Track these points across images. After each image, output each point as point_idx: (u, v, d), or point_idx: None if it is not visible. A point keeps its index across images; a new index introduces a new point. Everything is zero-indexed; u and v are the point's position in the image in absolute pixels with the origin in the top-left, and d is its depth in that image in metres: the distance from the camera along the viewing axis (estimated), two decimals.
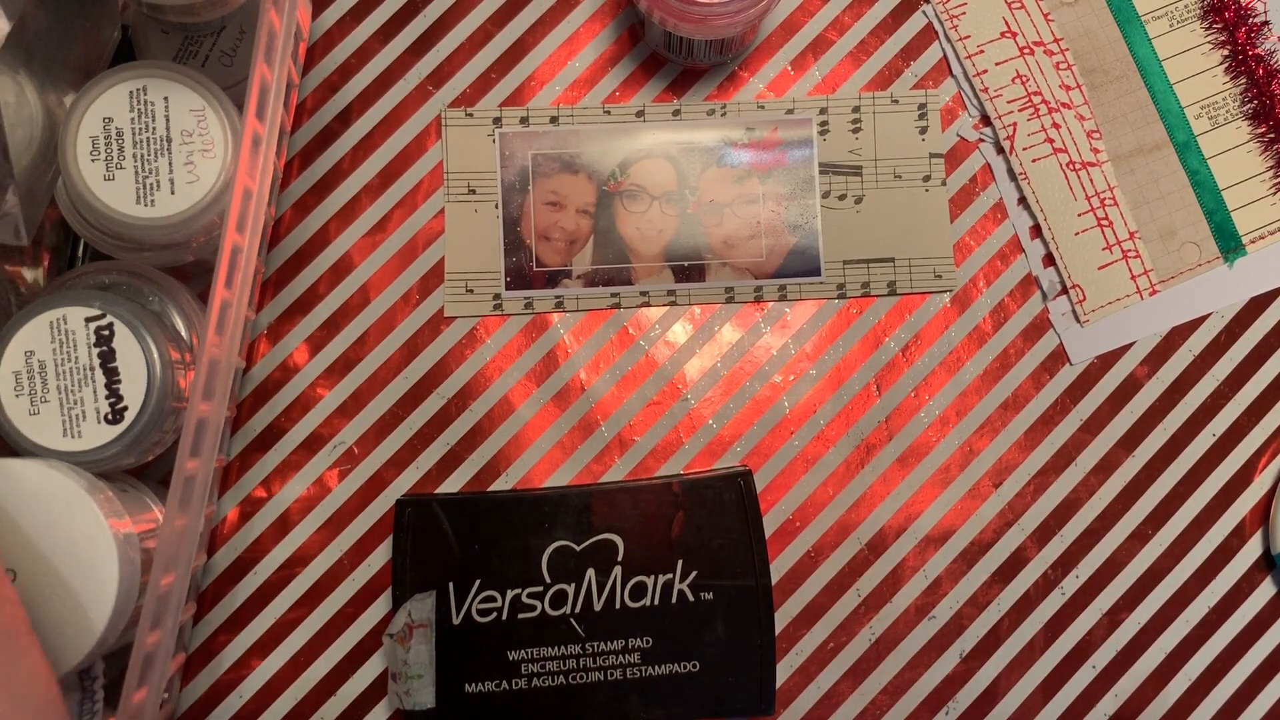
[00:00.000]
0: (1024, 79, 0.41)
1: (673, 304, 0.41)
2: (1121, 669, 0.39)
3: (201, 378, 0.31)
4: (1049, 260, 0.41)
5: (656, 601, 0.38)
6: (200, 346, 0.31)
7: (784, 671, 0.39)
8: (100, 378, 0.32)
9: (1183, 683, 0.39)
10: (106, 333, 0.32)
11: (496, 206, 0.41)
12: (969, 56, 0.42)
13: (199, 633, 0.39)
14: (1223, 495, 0.40)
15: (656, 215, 0.41)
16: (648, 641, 0.38)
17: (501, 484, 0.40)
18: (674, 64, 0.42)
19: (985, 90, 0.42)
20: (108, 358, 0.32)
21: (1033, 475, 0.40)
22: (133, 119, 0.33)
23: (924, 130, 0.42)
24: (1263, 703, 0.39)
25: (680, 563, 0.38)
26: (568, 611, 0.38)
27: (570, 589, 0.38)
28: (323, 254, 0.41)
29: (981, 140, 0.42)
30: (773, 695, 0.38)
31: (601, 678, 0.38)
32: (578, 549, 0.38)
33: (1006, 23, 0.42)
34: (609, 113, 0.41)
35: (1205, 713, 0.39)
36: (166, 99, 0.33)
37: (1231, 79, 0.42)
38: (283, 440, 0.39)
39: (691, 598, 0.38)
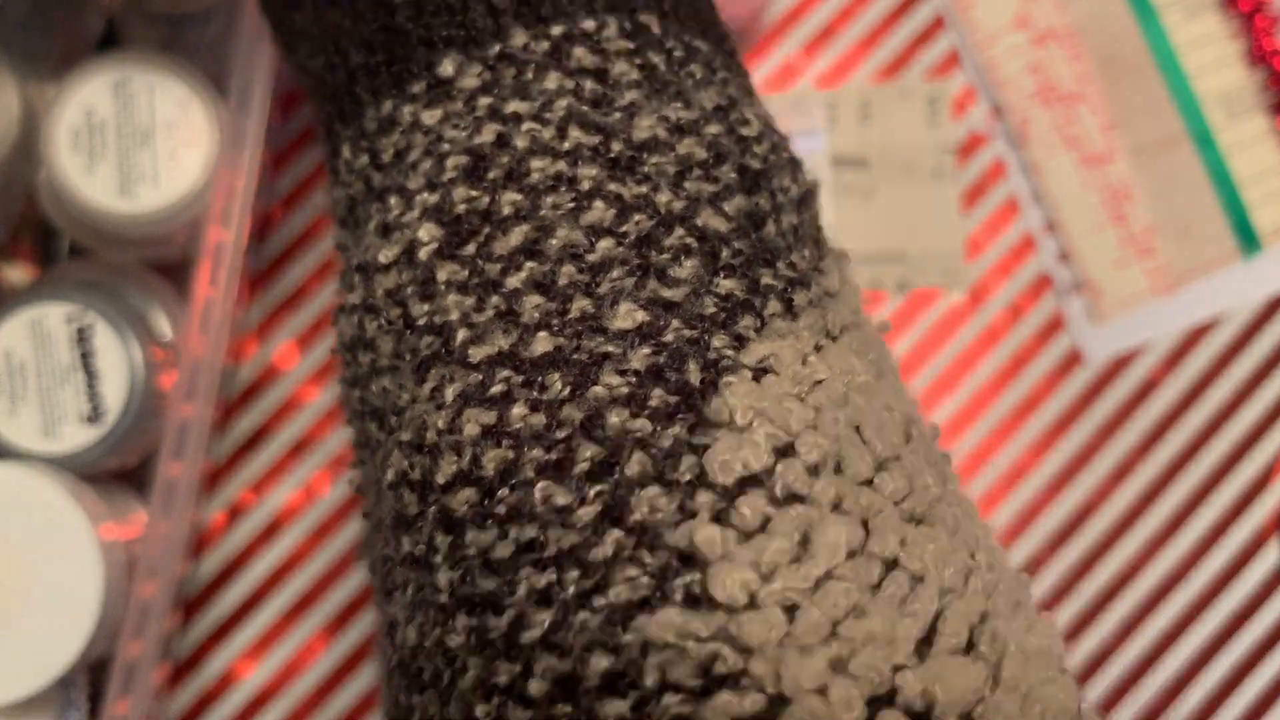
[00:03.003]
0: (1037, 70, 0.41)
1: None
2: (1138, 678, 0.38)
3: (185, 378, 0.31)
4: (1063, 258, 0.40)
5: None
6: (183, 346, 0.31)
7: None
8: (80, 378, 0.32)
9: (1200, 692, 0.38)
10: (87, 332, 0.32)
11: None
12: (980, 46, 0.41)
13: (185, 641, 0.38)
14: (1242, 499, 0.39)
15: None
16: None
17: None
18: None
19: (997, 81, 0.41)
20: (88, 357, 0.32)
21: (1047, 480, 0.39)
22: (116, 110, 0.33)
23: (934, 122, 0.41)
24: None
25: None
26: None
27: None
28: (313, 250, 0.40)
29: (993, 134, 0.41)
30: None
31: None
32: None
33: (1018, 12, 0.41)
34: None
35: None
36: (151, 90, 0.33)
37: (1250, 70, 0.41)
38: (272, 443, 0.39)
39: None
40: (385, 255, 0.21)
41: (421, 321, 0.20)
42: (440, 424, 0.19)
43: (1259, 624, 0.39)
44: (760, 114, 0.23)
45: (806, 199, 0.23)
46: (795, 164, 0.23)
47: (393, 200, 0.21)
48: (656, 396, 0.18)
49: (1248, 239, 0.40)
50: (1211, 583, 0.39)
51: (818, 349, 0.20)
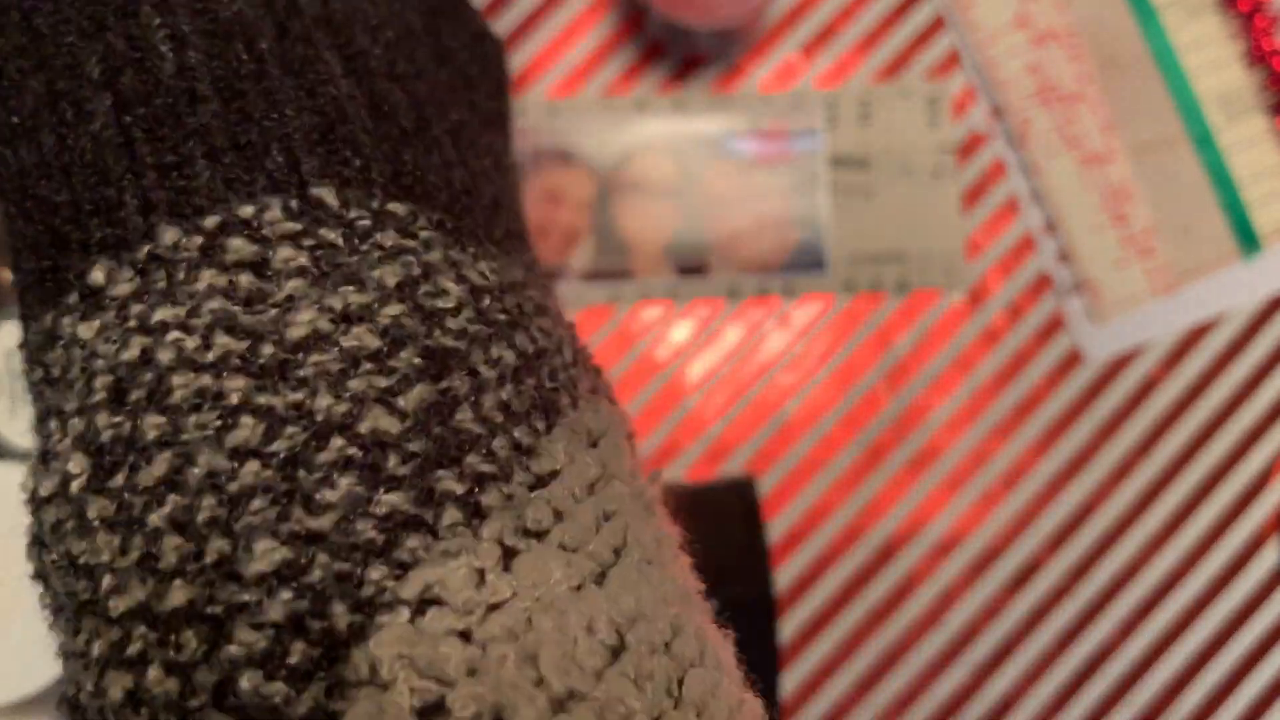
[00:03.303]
0: (1037, 70, 0.41)
1: (674, 301, 0.40)
2: (1137, 679, 0.38)
3: None
4: (1063, 258, 0.40)
5: None
6: None
7: (790, 683, 0.38)
8: None
9: (1200, 692, 0.38)
10: None
11: None
12: (980, 46, 0.41)
13: None
14: (1242, 499, 0.39)
15: (657, 210, 0.40)
16: None
17: None
18: (675, 54, 0.41)
19: (997, 81, 0.41)
20: None
21: (1047, 480, 0.39)
22: None
23: (934, 122, 0.41)
24: None
25: None
26: None
27: None
28: None
29: (993, 134, 0.41)
30: (777, 708, 0.37)
31: None
32: None
33: (1018, 12, 0.41)
34: (609, 105, 0.40)
35: None
36: None
37: (1250, 70, 0.41)
38: None
39: None
40: (45, 488, 0.19)
41: (81, 561, 0.18)
42: (89, 685, 0.17)
43: (1259, 624, 0.39)
44: (480, 271, 0.20)
45: (533, 362, 0.20)
46: (516, 325, 0.20)
47: (53, 424, 0.19)
48: (297, 651, 0.16)
49: (1248, 239, 0.40)
50: (1211, 583, 0.39)
51: (508, 557, 0.18)
